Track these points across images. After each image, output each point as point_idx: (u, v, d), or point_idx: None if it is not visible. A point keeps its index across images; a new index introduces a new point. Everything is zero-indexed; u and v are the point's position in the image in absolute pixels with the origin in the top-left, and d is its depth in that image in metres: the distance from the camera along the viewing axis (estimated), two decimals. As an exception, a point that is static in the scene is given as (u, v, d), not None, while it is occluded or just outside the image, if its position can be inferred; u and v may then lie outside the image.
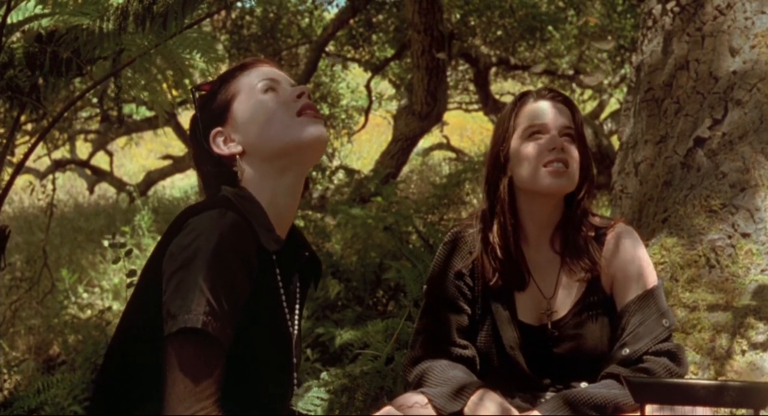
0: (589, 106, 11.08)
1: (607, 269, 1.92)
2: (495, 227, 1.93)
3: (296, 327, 1.61)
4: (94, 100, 8.68)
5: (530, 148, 1.88)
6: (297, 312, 1.63)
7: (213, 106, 1.64)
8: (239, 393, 1.47)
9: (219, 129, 1.61)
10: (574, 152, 1.89)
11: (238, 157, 1.58)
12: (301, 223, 5.56)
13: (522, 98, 1.96)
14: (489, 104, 9.01)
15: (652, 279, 1.90)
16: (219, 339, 1.38)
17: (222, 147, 1.60)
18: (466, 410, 1.78)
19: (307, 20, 9.01)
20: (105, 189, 12.13)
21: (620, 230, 1.95)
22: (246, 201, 1.54)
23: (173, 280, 1.40)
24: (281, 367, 1.56)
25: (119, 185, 11.10)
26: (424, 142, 10.56)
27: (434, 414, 1.79)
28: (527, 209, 1.94)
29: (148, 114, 10.23)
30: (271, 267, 1.54)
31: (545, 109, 1.91)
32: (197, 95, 1.68)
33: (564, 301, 1.94)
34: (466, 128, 13.58)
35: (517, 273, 1.93)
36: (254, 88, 1.61)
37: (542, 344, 1.92)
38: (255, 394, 1.51)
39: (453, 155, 11.64)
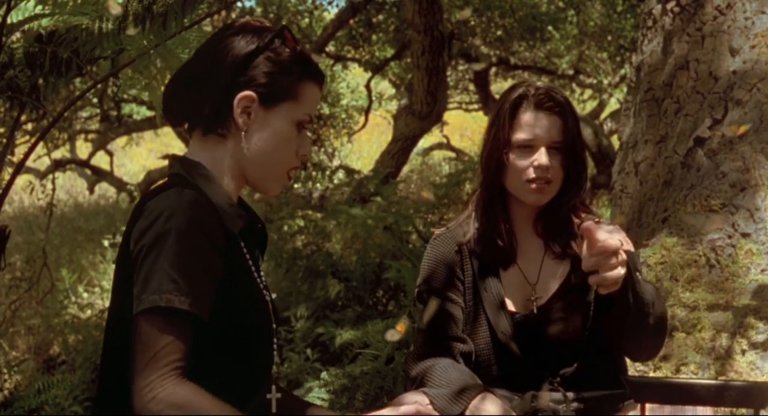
0: (589, 106, 11.08)
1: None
2: (489, 211, 1.99)
3: (269, 293, 1.62)
4: (94, 100, 8.69)
5: (518, 162, 1.94)
6: (264, 279, 1.64)
7: (275, 81, 1.54)
8: (229, 368, 1.50)
9: (254, 96, 1.54)
10: (558, 165, 1.94)
11: (236, 134, 1.55)
12: (301, 223, 5.56)
13: (518, 101, 1.96)
14: (489, 104, 9.01)
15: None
16: (187, 311, 1.39)
17: (237, 110, 1.54)
18: (467, 413, 1.79)
19: (307, 20, 9.01)
20: (105, 189, 12.13)
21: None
22: (202, 178, 1.53)
23: (139, 265, 1.42)
24: (264, 336, 1.58)
25: (119, 185, 11.10)
26: (424, 142, 10.56)
27: (434, 415, 1.79)
28: (515, 202, 2.00)
29: (148, 114, 10.23)
30: (236, 240, 1.54)
31: (537, 122, 1.94)
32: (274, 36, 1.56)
33: (548, 286, 1.98)
34: (466, 128, 13.59)
35: (506, 252, 1.98)
36: (301, 115, 1.56)
37: (532, 330, 1.95)
38: (244, 366, 1.53)
39: (453, 155, 11.64)
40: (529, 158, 1.93)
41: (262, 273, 1.63)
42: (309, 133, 1.63)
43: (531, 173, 1.92)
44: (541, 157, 1.92)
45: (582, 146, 2.00)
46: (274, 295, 1.68)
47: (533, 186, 1.92)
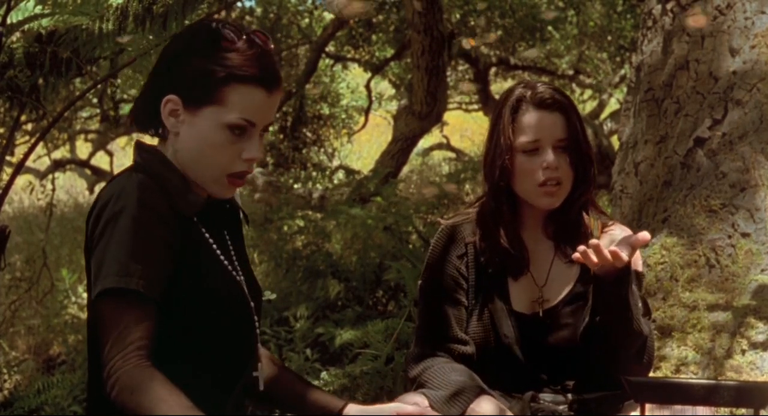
0: (589, 106, 11.07)
1: None
2: (497, 219, 1.95)
3: (240, 272, 1.61)
4: (94, 100, 8.68)
5: (526, 166, 1.90)
6: (235, 258, 1.63)
7: (197, 83, 1.50)
8: (204, 349, 1.51)
9: (178, 101, 1.51)
10: (566, 164, 1.90)
11: (172, 135, 1.54)
12: (301, 223, 5.56)
13: (517, 104, 1.92)
14: (489, 104, 9.01)
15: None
16: (138, 292, 1.40)
17: (165, 113, 1.52)
18: (466, 414, 1.79)
19: (307, 20, 9.01)
20: (105, 189, 12.11)
21: (614, 229, 1.96)
22: (160, 164, 1.54)
23: (94, 252, 1.45)
24: (238, 316, 1.58)
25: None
26: (424, 142, 10.55)
27: (433, 415, 1.79)
28: (525, 205, 1.96)
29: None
30: (193, 224, 1.55)
31: (539, 122, 1.90)
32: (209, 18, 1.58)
33: (556, 290, 1.95)
34: (466, 128, 13.58)
35: (516, 262, 1.95)
36: (229, 119, 1.50)
37: (536, 333, 1.93)
38: (221, 347, 1.54)
39: (453, 155, 11.64)
40: (536, 160, 1.88)
41: (233, 254, 1.62)
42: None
43: (540, 176, 1.87)
44: (549, 156, 1.87)
45: (587, 141, 1.96)
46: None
47: (545, 189, 1.88)
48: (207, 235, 1.56)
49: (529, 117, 1.90)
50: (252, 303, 1.61)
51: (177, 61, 1.53)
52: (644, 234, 1.74)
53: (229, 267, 1.59)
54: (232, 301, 1.57)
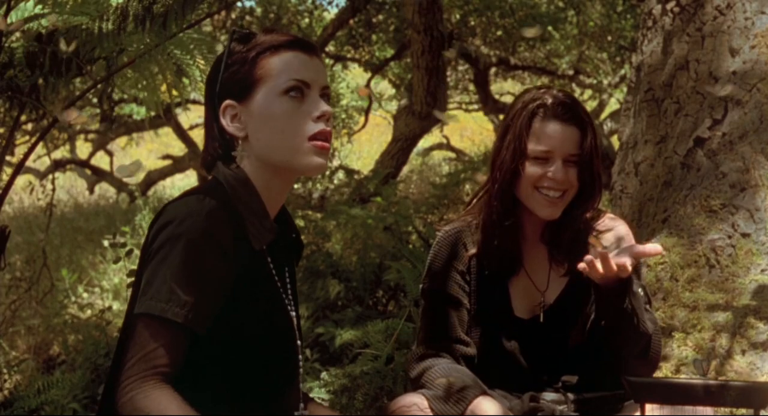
0: (589, 106, 11.07)
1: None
2: (501, 221, 1.94)
3: (293, 308, 1.61)
4: (94, 100, 8.68)
5: (531, 171, 1.88)
6: (290, 293, 1.62)
7: (238, 76, 1.54)
8: (245, 382, 1.49)
9: (233, 103, 1.54)
10: (573, 177, 1.89)
11: (240, 141, 1.54)
12: (301, 223, 5.56)
13: (536, 111, 1.89)
14: (489, 104, 9.01)
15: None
16: (181, 324, 1.40)
17: (228, 123, 1.54)
18: (466, 414, 1.78)
19: (307, 20, 9.01)
20: (105, 189, 12.12)
21: (608, 225, 1.95)
22: (241, 184, 1.52)
23: (147, 266, 1.44)
24: (286, 351, 1.58)
25: (119, 185, 11.09)
26: (424, 142, 10.54)
27: None
28: (526, 210, 1.95)
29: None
30: (260, 257, 1.53)
31: (554, 133, 1.87)
32: (234, 37, 1.57)
33: (554, 294, 1.96)
34: (466, 128, 13.58)
35: (510, 262, 1.95)
36: (281, 85, 1.52)
37: (536, 335, 1.93)
38: (261, 381, 1.52)
39: (453, 155, 11.64)
40: (543, 168, 1.87)
41: (289, 288, 1.61)
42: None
43: (543, 182, 1.87)
44: (557, 170, 1.86)
45: (599, 158, 1.93)
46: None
47: (546, 198, 1.87)
48: (272, 266, 1.55)
49: (546, 126, 1.87)
50: (299, 341, 1.60)
51: (215, 79, 1.56)
52: (655, 247, 1.73)
53: (286, 301, 1.58)
54: (282, 338, 1.56)
